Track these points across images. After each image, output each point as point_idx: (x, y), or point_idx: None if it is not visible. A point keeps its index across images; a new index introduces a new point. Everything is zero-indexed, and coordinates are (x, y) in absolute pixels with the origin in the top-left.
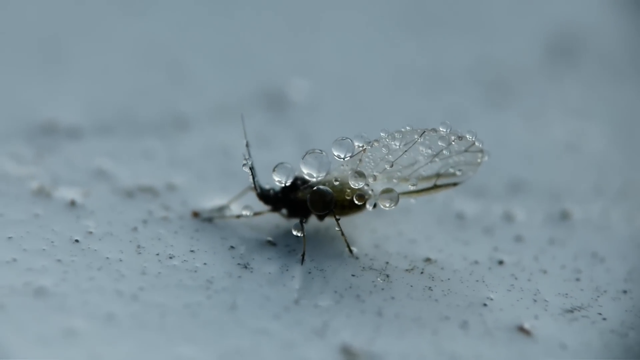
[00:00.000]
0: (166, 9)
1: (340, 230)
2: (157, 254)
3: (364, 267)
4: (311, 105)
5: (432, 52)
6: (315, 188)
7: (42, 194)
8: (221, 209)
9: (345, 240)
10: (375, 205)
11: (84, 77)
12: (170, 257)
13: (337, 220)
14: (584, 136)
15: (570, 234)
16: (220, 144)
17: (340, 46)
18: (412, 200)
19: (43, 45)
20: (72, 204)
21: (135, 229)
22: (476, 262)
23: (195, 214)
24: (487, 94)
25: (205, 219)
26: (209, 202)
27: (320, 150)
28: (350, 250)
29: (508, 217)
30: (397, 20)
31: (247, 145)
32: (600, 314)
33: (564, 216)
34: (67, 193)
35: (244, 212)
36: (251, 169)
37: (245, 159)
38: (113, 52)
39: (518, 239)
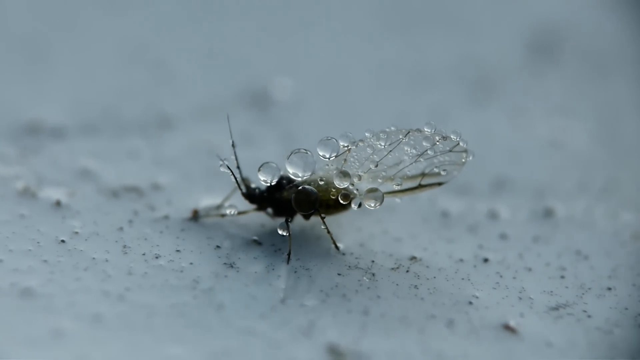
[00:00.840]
0: (150, 9)
1: (326, 228)
2: (143, 254)
3: (349, 266)
4: (295, 104)
5: (415, 51)
6: (300, 188)
7: (28, 194)
8: (216, 209)
9: (332, 237)
10: (360, 205)
11: (69, 76)
12: (157, 257)
13: (323, 218)
14: (567, 133)
15: (554, 231)
16: (204, 143)
17: (323, 45)
18: (397, 199)
19: (27, 45)
20: (58, 204)
21: (121, 229)
22: (461, 260)
23: (195, 213)
24: (470, 92)
25: (191, 219)
26: (200, 201)
27: (305, 150)
28: (337, 247)
29: (492, 215)
30: (380, 18)
31: (233, 145)
32: (585, 311)
33: (548, 214)
34: (53, 193)
35: (229, 211)
36: (237, 168)
37: (222, 160)
38: (97, 51)
39: (503, 236)
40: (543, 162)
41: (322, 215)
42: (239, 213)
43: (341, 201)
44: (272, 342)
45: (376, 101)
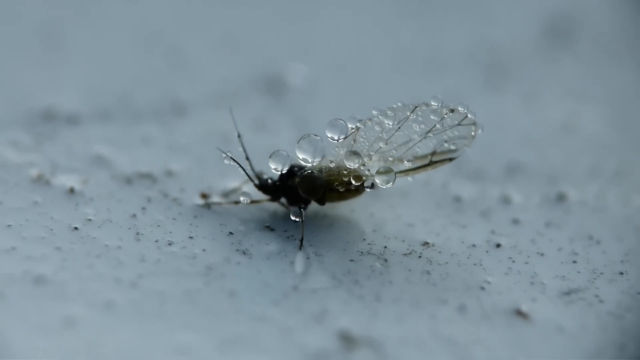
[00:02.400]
0: None
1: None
2: (156, 241)
3: (362, 252)
4: (309, 90)
5: (429, 35)
6: (304, 173)
7: (41, 181)
8: (227, 195)
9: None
10: (373, 185)
11: (83, 63)
12: (169, 244)
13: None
14: (581, 118)
15: (567, 216)
16: (218, 129)
17: (338, 30)
18: (409, 178)
19: (42, 32)
20: (71, 191)
21: (134, 215)
22: (474, 246)
23: (204, 196)
24: (485, 77)
25: (204, 205)
26: (212, 187)
27: (315, 135)
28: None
29: (505, 200)
30: (394, 3)
31: (239, 136)
32: (597, 296)
33: (561, 198)
34: (66, 180)
35: (242, 199)
36: (246, 160)
37: (225, 153)
38: (112, 38)
39: (515, 221)
40: (556, 146)
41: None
42: (252, 202)
43: (353, 182)
44: (284, 329)
45: (390, 86)
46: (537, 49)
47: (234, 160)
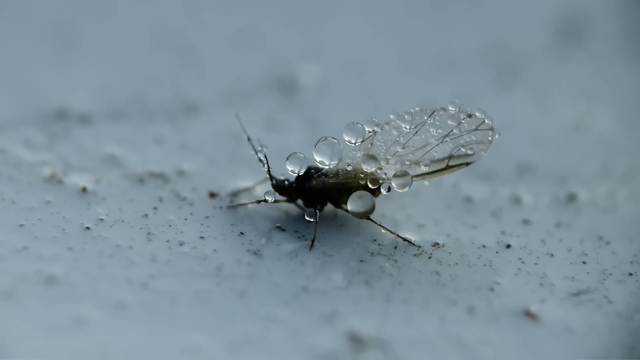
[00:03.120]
0: None
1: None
2: (168, 241)
3: (372, 253)
4: (321, 90)
5: (441, 35)
6: (356, 193)
7: (54, 180)
8: (242, 191)
9: (397, 235)
10: (389, 189)
11: (96, 63)
12: (181, 244)
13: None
14: (592, 118)
15: (577, 216)
16: (230, 129)
17: (349, 30)
18: (425, 182)
19: (55, 32)
20: (84, 190)
21: (145, 215)
22: (484, 246)
23: (212, 195)
24: (496, 77)
25: (230, 206)
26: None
27: (332, 137)
28: (407, 240)
29: (515, 200)
30: (405, 2)
31: (248, 139)
32: (606, 297)
33: (571, 199)
34: (79, 180)
35: (267, 197)
36: (263, 160)
37: (261, 146)
38: (124, 38)
39: (525, 222)
40: (567, 146)
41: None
42: (275, 201)
43: (370, 186)
44: (294, 329)
45: (401, 86)
46: (548, 48)
47: (264, 157)
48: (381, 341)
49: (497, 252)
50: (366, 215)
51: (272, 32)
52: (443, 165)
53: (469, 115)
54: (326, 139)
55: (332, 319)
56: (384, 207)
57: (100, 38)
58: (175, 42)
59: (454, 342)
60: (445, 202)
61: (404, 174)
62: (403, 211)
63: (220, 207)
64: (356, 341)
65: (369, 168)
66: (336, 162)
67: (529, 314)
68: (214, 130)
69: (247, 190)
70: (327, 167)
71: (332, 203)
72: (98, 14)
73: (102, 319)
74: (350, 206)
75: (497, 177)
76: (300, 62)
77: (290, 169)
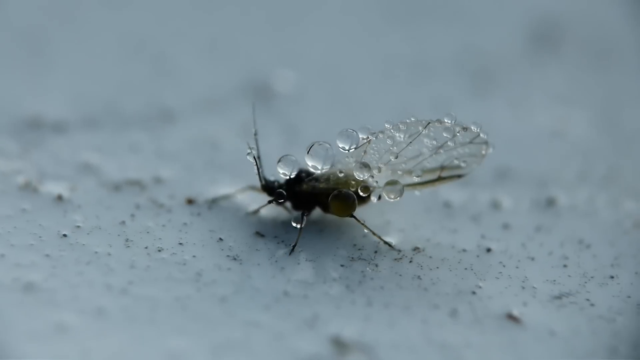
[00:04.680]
0: (149, 1)
1: (370, 230)
2: (146, 247)
3: (352, 258)
4: (297, 96)
5: (417, 42)
6: (337, 191)
7: (29, 188)
8: (222, 199)
9: (379, 237)
10: (380, 197)
11: (69, 70)
12: (159, 250)
13: (363, 223)
14: (568, 122)
15: (557, 220)
16: (207, 136)
17: (325, 36)
18: (416, 192)
19: (27, 39)
20: (59, 198)
21: (123, 222)
22: (464, 250)
23: (190, 201)
24: (472, 83)
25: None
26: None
27: (325, 142)
28: (388, 243)
29: (495, 205)
30: (381, 10)
31: (255, 134)
32: (588, 299)
33: (550, 203)
34: (54, 187)
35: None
36: (256, 159)
37: (250, 148)
38: (98, 45)
39: (505, 226)
40: (544, 151)
41: (362, 221)
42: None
43: (361, 193)
44: (276, 334)
45: (378, 92)
46: (523, 54)
47: (255, 158)
48: (364, 345)
49: (477, 256)
50: (348, 210)
51: (247, 39)
52: (435, 176)
53: (465, 128)
54: (319, 143)
55: (314, 323)
56: (363, 211)
57: (74, 45)
58: (149, 49)
59: (437, 346)
60: (424, 206)
61: (395, 183)
62: (383, 216)
63: (199, 214)
64: (339, 345)
65: (361, 176)
66: (328, 167)
67: (511, 317)
68: (190, 137)
69: (227, 197)
70: (318, 172)
71: (320, 208)
72: (70, 21)
73: (82, 325)
74: (331, 201)
75: (475, 182)
76: (276, 69)
77: (281, 171)
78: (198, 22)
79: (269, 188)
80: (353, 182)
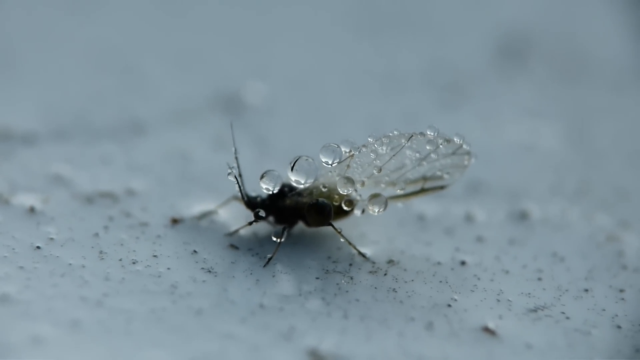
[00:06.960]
0: (118, 13)
1: (346, 240)
2: (120, 260)
3: (327, 270)
4: (268, 109)
5: (386, 55)
6: (313, 202)
7: (1, 200)
8: (207, 214)
9: (354, 247)
10: (363, 211)
11: (38, 82)
12: (134, 263)
13: (340, 231)
14: (538, 136)
15: (530, 233)
16: (178, 148)
17: (295, 49)
18: (399, 204)
19: None
20: (32, 210)
21: (96, 234)
22: (439, 263)
23: (175, 221)
24: (441, 96)
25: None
26: (175, 207)
27: (308, 156)
28: (362, 254)
29: (468, 218)
30: (351, 23)
31: (235, 152)
32: (563, 312)
33: (523, 216)
34: (26, 199)
35: (260, 214)
36: (238, 176)
37: (230, 168)
38: (66, 56)
39: (479, 239)
40: (516, 164)
41: (339, 230)
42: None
43: (345, 207)
44: (252, 347)
45: (348, 105)
46: (492, 68)
47: (236, 177)
48: (341, 358)
49: (452, 269)
50: (325, 220)
51: (218, 50)
52: (418, 188)
53: (447, 140)
54: (301, 158)
55: (290, 336)
56: (337, 224)
57: (43, 57)
58: (119, 61)
59: (414, 358)
60: (397, 219)
61: (378, 196)
62: (356, 228)
63: (172, 226)
64: (316, 358)
65: (345, 190)
66: (311, 182)
67: (487, 330)
68: (161, 149)
69: (211, 213)
70: (301, 187)
71: (304, 222)
72: (38, 32)
73: (58, 337)
74: (307, 211)
75: (449, 195)
76: (247, 81)
77: (265, 187)
78: (168, 33)
79: (252, 204)
80: (336, 196)
